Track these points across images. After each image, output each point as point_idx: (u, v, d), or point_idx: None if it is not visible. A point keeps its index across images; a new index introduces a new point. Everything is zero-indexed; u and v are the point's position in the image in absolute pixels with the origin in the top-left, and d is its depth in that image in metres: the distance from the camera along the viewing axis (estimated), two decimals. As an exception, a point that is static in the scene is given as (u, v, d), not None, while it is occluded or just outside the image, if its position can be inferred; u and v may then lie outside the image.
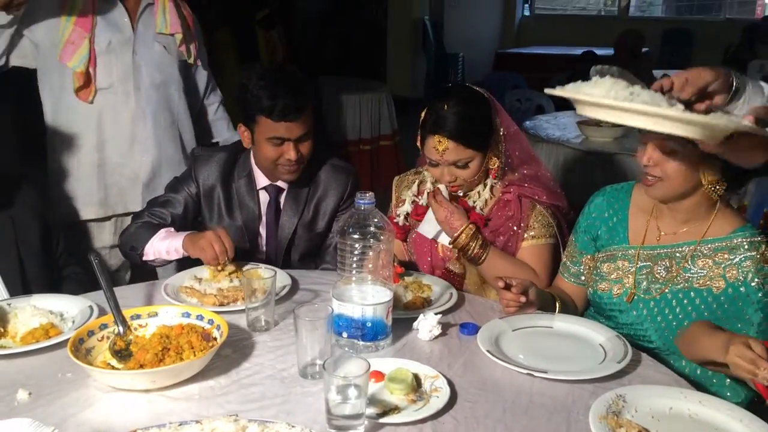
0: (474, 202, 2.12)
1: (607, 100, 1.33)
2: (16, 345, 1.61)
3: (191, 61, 2.67)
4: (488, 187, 2.12)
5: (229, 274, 1.99)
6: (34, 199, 2.15)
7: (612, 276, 1.85)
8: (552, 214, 2.11)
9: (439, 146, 1.99)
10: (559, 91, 1.44)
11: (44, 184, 2.54)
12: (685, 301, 1.73)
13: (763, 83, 1.52)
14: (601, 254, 1.91)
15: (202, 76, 2.80)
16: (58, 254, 2.24)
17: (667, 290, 1.75)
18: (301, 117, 2.10)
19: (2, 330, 1.66)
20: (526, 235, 2.08)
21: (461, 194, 2.11)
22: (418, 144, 2.10)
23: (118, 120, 2.55)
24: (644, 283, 1.80)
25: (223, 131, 2.92)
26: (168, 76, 2.59)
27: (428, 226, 2.10)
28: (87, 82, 2.46)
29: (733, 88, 1.47)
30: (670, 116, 1.30)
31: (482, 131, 2.04)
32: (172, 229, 2.17)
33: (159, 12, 2.52)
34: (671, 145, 1.65)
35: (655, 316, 1.77)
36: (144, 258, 2.15)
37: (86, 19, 2.38)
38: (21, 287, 1.98)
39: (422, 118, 2.07)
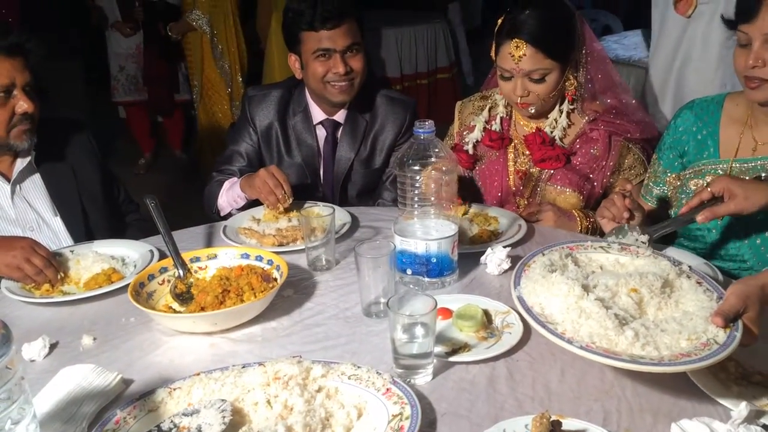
0: (552, 131, 1.97)
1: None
2: (79, 291, 1.61)
3: None
4: (564, 113, 1.96)
5: (288, 213, 1.94)
6: (92, 146, 2.14)
7: None
8: (642, 149, 1.96)
9: (516, 52, 1.83)
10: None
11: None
12: None
13: None
14: (688, 171, 1.76)
15: None
16: (119, 202, 2.24)
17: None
18: (342, 23, 2.06)
19: (63, 274, 1.66)
20: (621, 178, 1.94)
21: (533, 111, 1.95)
22: (492, 54, 1.95)
23: (708, 40, 2.66)
24: None
25: None
26: None
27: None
28: None
29: None
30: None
31: (565, 41, 1.88)
32: (234, 178, 2.17)
33: None
34: None
35: (749, 233, 1.62)
36: (222, 213, 2.17)
37: None
38: (85, 236, 1.99)
39: (498, 25, 1.91)
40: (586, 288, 1.24)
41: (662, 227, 1.59)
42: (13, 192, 1.93)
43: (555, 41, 1.84)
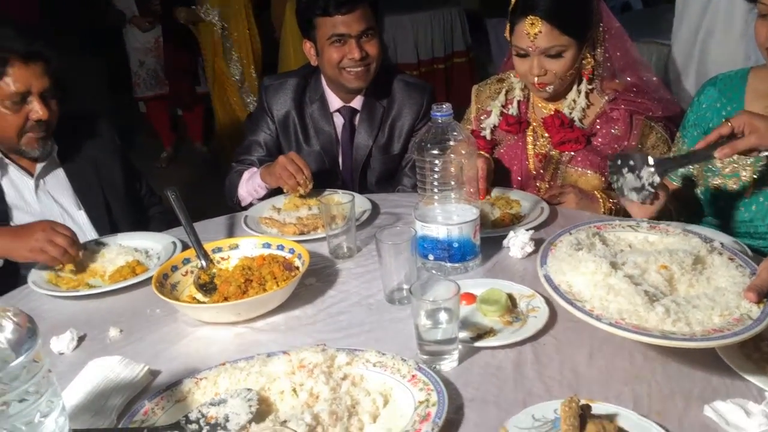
0: (570, 112, 1.94)
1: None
2: (105, 283, 1.62)
3: None
4: (582, 93, 1.93)
5: (307, 201, 1.94)
6: (113, 141, 2.16)
7: (726, 170, 1.67)
8: (665, 127, 1.91)
9: (531, 29, 1.79)
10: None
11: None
12: None
13: None
14: None
15: None
16: (142, 195, 2.25)
17: None
18: (357, 8, 2.04)
19: (84, 249, 1.67)
20: None
21: (550, 90, 1.91)
22: (506, 35, 1.92)
23: (731, 12, 2.71)
24: (766, 174, 1.60)
25: None
26: None
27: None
28: None
29: None
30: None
31: (581, 16, 1.83)
32: (254, 168, 2.17)
33: None
34: None
35: None
36: (243, 204, 2.18)
37: None
38: (109, 229, 2.00)
39: (512, 3, 1.87)
40: (614, 265, 1.21)
41: (677, 162, 1.54)
42: (37, 186, 1.95)
43: (571, 17, 1.80)
